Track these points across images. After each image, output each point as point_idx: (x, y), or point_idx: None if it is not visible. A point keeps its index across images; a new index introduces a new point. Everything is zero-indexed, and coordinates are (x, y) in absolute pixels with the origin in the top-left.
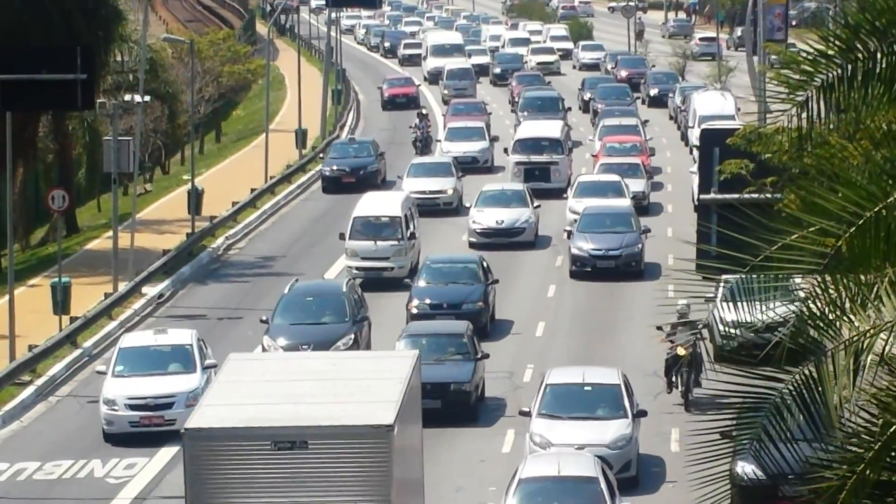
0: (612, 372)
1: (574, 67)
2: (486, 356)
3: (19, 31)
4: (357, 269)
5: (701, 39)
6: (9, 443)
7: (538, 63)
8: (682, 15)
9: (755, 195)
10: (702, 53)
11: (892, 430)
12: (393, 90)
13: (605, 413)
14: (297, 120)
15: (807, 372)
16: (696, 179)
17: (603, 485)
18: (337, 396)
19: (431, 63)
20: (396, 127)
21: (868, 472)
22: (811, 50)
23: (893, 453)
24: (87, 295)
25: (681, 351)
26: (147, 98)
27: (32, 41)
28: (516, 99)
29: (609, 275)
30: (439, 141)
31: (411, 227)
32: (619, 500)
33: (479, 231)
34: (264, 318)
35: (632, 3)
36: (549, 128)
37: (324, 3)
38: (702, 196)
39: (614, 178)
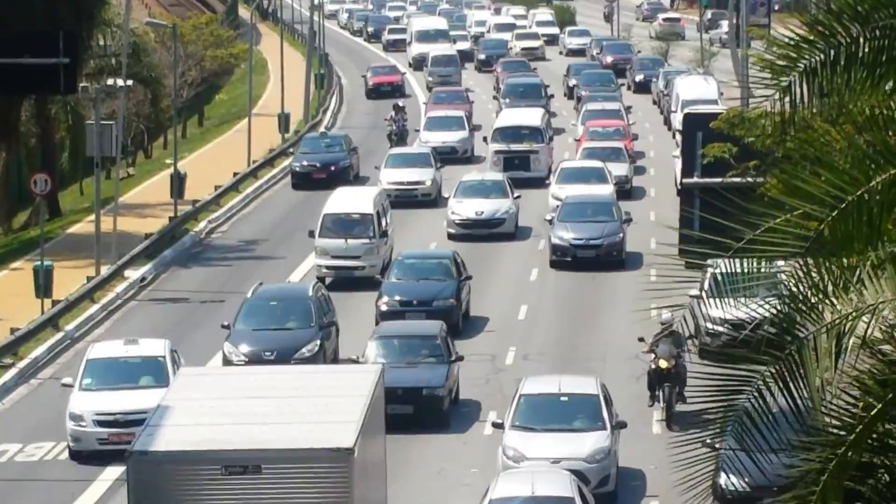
0: (590, 381)
1: (560, 53)
2: (461, 358)
3: (1, 15)
4: (327, 268)
5: (665, 20)
6: None
7: (523, 49)
8: None
9: (738, 179)
10: (667, 34)
11: (873, 412)
12: (377, 78)
13: (582, 425)
14: (279, 104)
15: (789, 355)
16: (678, 164)
17: None
18: (294, 416)
19: (416, 49)
20: (380, 112)
21: (850, 453)
22: (793, 35)
23: (875, 435)
24: (70, 278)
25: (663, 364)
26: (130, 82)
27: (14, 25)
28: (501, 86)
29: (590, 265)
30: (417, 131)
31: (384, 223)
32: None
33: (458, 222)
34: (226, 323)
35: None
36: (530, 116)
37: None
38: (685, 180)
39: (597, 164)
